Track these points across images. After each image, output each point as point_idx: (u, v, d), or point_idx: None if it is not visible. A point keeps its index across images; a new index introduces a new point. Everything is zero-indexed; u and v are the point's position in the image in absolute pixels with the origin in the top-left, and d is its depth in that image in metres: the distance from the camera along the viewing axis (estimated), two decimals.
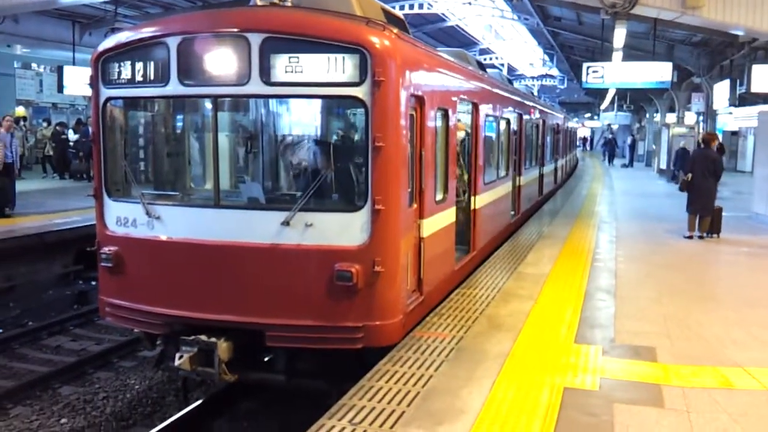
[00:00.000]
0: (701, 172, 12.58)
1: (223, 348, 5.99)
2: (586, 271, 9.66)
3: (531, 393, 5.22)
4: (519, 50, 44.29)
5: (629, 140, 44.26)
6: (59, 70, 22.15)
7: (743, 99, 21.52)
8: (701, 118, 28.32)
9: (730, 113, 23.80)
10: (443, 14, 30.61)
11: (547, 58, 43.61)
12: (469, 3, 28.18)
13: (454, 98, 8.12)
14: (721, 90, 22.68)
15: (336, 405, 4.98)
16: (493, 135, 11.17)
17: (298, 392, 6.73)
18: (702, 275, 8.87)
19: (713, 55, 23.75)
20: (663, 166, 30.09)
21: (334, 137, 7.42)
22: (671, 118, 34.41)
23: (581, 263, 10.18)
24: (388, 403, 4.99)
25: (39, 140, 22.98)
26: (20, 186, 15.89)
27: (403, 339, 6.33)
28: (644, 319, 7.44)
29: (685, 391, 5.37)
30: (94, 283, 11.60)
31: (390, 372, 5.59)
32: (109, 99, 6.62)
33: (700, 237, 12.76)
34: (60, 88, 22.34)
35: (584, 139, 64.26)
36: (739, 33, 15.55)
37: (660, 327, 7.13)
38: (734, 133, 34.58)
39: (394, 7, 14.27)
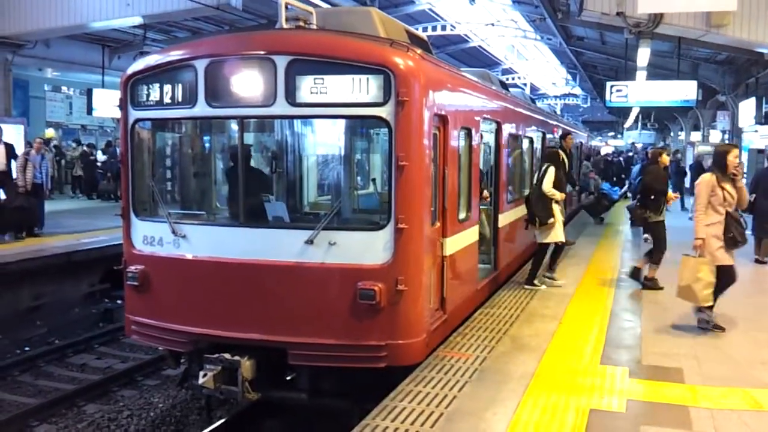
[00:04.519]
0: (764, 192, 11.54)
1: (246, 366, 6.01)
2: (611, 290, 9.55)
3: (556, 415, 5.16)
4: (542, 70, 44.22)
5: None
6: (89, 93, 22.64)
7: None
8: (726, 136, 27.97)
9: (756, 131, 23.50)
10: (466, 35, 30.78)
11: (570, 77, 43.51)
12: (492, 24, 28.32)
13: (477, 117, 8.14)
14: (747, 108, 22.42)
15: (359, 425, 4.96)
16: (517, 153, 11.15)
17: (320, 411, 6.71)
18: (730, 295, 8.69)
19: (738, 73, 23.50)
20: (688, 185, 29.75)
21: (358, 157, 7.46)
22: (696, 136, 34.05)
23: (606, 283, 10.06)
24: (412, 423, 4.96)
25: (69, 161, 23.45)
26: (48, 206, 16.15)
27: (427, 358, 6.31)
28: (671, 339, 7.32)
29: (713, 413, 5.27)
30: (119, 301, 11.73)
31: (413, 392, 5.56)
32: (137, 120, 6.74)
33: (761, 262, 11.86)
34: (89, 110, 22.83)
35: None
36: (765, 51, 15.38)
37: (688, 348, 7.01)
38: (760, 152, 34.06)
39: (417, 29, 14.44)
